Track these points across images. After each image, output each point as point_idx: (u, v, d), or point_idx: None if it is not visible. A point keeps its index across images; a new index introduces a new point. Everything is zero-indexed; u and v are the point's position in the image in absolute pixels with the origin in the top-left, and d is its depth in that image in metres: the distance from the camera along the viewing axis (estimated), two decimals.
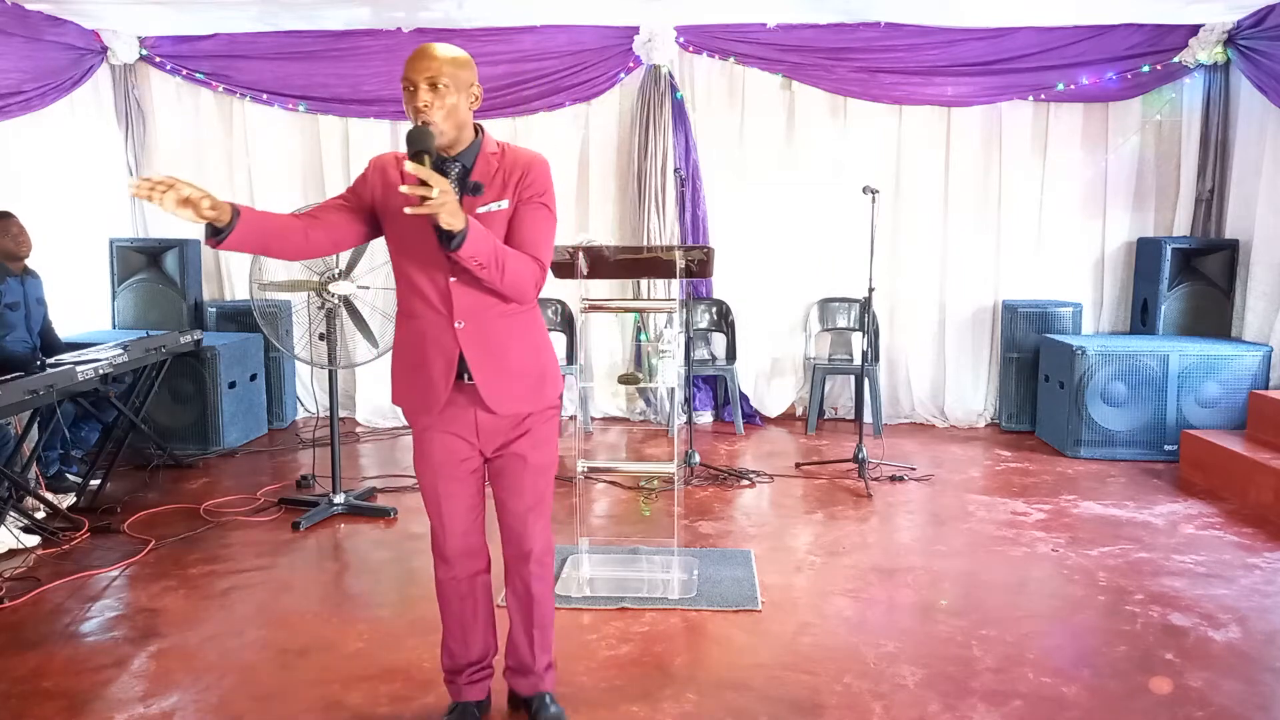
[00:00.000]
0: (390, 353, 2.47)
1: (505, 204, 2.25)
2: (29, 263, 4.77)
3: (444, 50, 2.21)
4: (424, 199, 1.98)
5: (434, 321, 2.29)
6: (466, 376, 2.31)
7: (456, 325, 2.27)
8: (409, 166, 2.01)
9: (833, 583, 3.67)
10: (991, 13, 5.70)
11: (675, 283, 5.22)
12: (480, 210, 2.22)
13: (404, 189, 2.01)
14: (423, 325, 2.31)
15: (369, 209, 2.33)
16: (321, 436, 5.26)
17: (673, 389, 5.19)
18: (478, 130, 2.31)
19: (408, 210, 2.04)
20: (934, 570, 3.80)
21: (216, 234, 2.15)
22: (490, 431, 2.38)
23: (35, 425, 4.34)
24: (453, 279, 2.25)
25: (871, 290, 5.06)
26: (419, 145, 2.08)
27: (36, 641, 3.17)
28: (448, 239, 2.09)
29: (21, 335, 4.65)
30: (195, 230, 6.35)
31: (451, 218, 2.03)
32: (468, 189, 2.24)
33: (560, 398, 2.52)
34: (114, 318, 6.22)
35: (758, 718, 2.68)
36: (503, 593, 2.58)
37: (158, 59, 6.28)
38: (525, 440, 2.41)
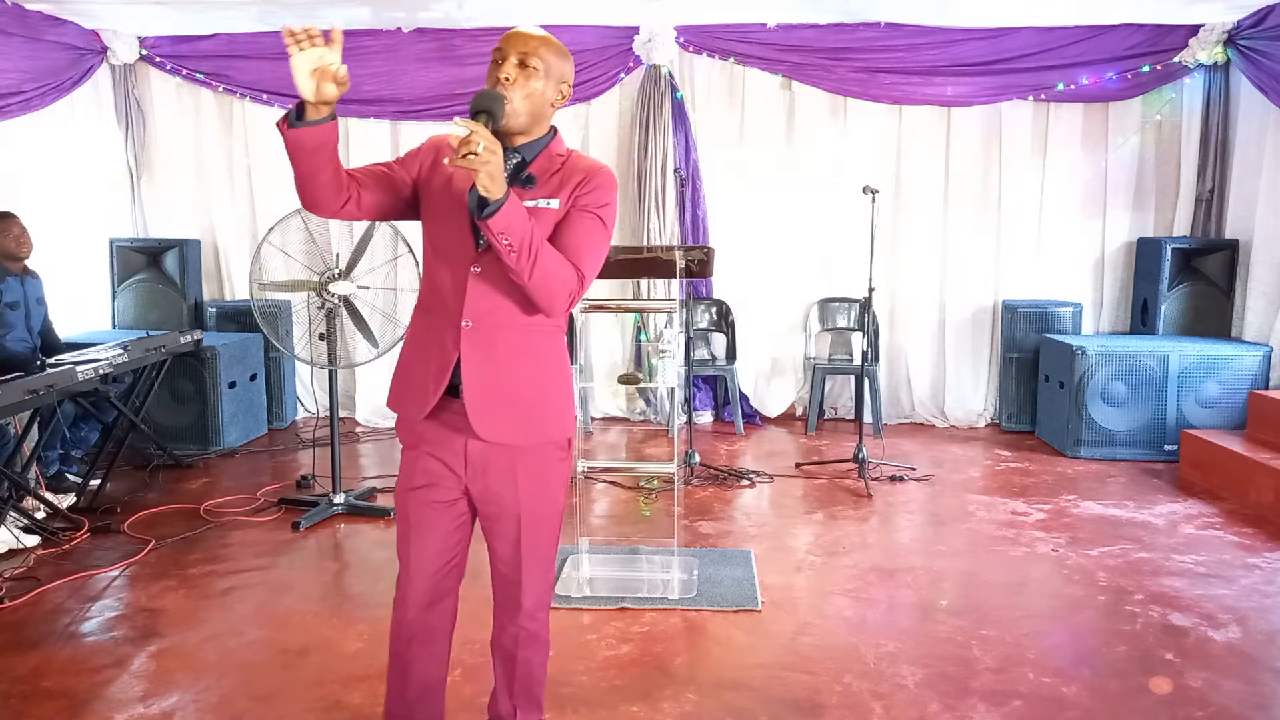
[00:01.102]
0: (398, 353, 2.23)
1: (556, 204, 1.99)
2: (29, 263, 4.77)
3: (546, 35, 2.02)
4: (466, 153, 1.75)
5: (443, 317, 2.03)
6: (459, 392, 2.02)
7: (464, 324, 1.99)
8: (459, 122, 1.79)
9: (833, 583, 3.67)
10: (991, 13, 5.70)
11: (675, 283, 5.22)
12: (527, 204, 1.96)
13: (452, 136, 1.84)
14: (430, 320, 2.07)
15: (411, 184, 2.09)
16: (321, 436, 5.27)
17: (673, 389, 5.18)
18: (552, 131, 2.09)
19: (446, 161, 1.81)
20: (934, 570, 3.80)
21: (302, 117, 1.93)
22: (480, 465, 2.06)
23: (35, 425, 4.34)
24: (475, 269, 1.99)
25: (871, 290, 5.07)
26: (482, 105, 1.89)
27: (36, 641, 3.17)
28: (480, 208, 1.85)
29: (21, 335, 4.65)
30: (195, 230, 6.47)
31: (491, 181, 1.78)
32: (520, 180, 1.99)
33: (570, 441, 2.17)
34: (114, 318, 6.22)
35: (758, 718, 2.68)
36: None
37: (158, 59, 6.28)
38: (521, 483, 2.07)
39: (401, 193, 2.08)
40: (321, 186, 1.98)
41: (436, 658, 2.25)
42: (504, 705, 2.27)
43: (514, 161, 2.02)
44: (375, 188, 2.05)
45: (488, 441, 2.03)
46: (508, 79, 1.94)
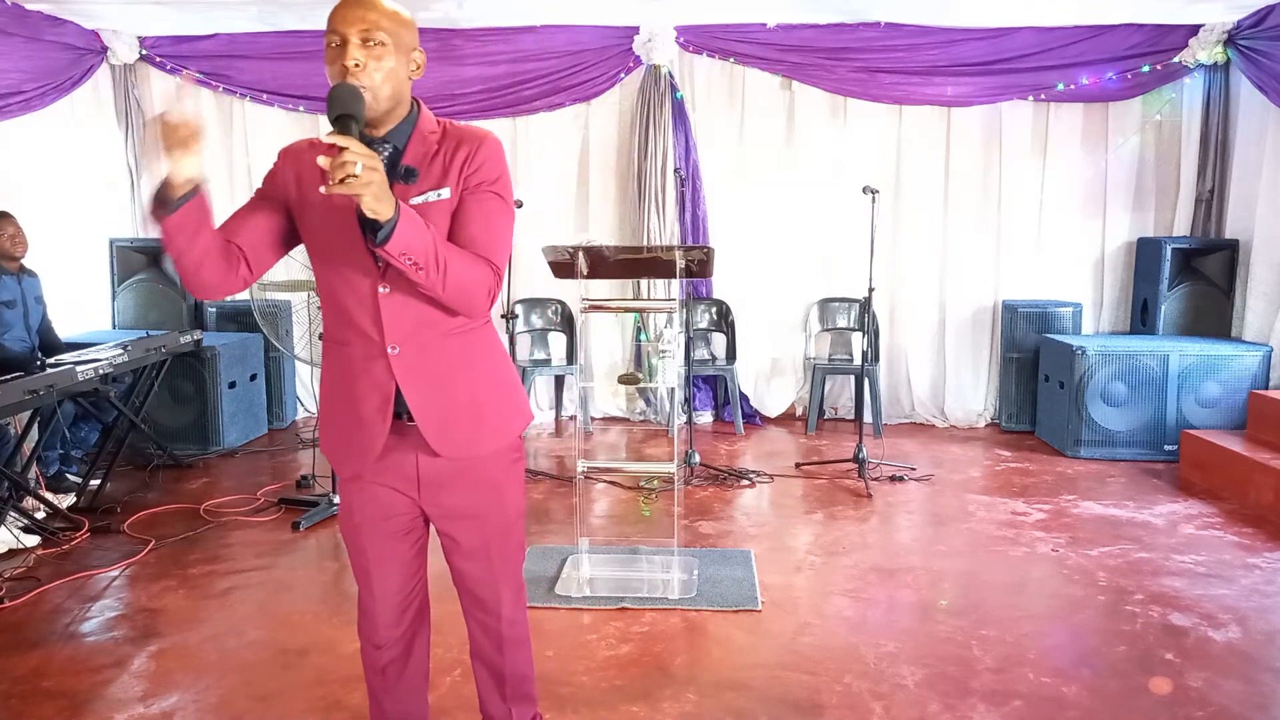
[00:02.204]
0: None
1: (446, 193, 1.78)
2: (27, 262, 4.77)
3: (376, 1, 1.74)
4: (344, 177, 1.52)
5: (363, 348, 1.83)
6: (406, 416, 1.86)
7: (390, 351, 1.81)
8: (326, 137, 1.57)
9: (833, 583, 3.67)
10: (991, 13, 5.70)
11: (675, 283, 5.22)
12: (415, 200, 1.76)
13: (322, 161, 1.55)
14: (350, 353, 1.85)
15: (285, 208, 1.86)
16: None
17: (673, 389, 5.19)
18: (414, 106, 1.87)
19: (323, 189, 1.56)
20: (934, 570, 3.80)
21: (165, 205, 1.74)
22: (434, 483, 1.92)
23: (35, 425, 4.34)
24: (383, 289, 1.78)
25: (871, 290, 5.06)
26: (345, 107, 1.63)
27: (36, 641, 3.17)
28: (373, 231, 1.63)
29: (19, 334, 4.65)
30: None
31: (377, 202, 1.56)
32: (399, 175, 1.78)
33: (522, 436, 2.05)
34: (114, 318, 6.22)
35: (758, 718, 2.68)
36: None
37: (158, 59, 6.28)
38: (481, 493, 1.95)
39: (282, 222, 1.86)
40: (210, 268, 1.79)
41: (414, 691, 2.17)
42: (496, 708, 2.18)
43: (387, 154, 1.79)
44: (258, 240, 1.84)
45: (445, 457, 1.89)
46: (358, 64, 1.70)
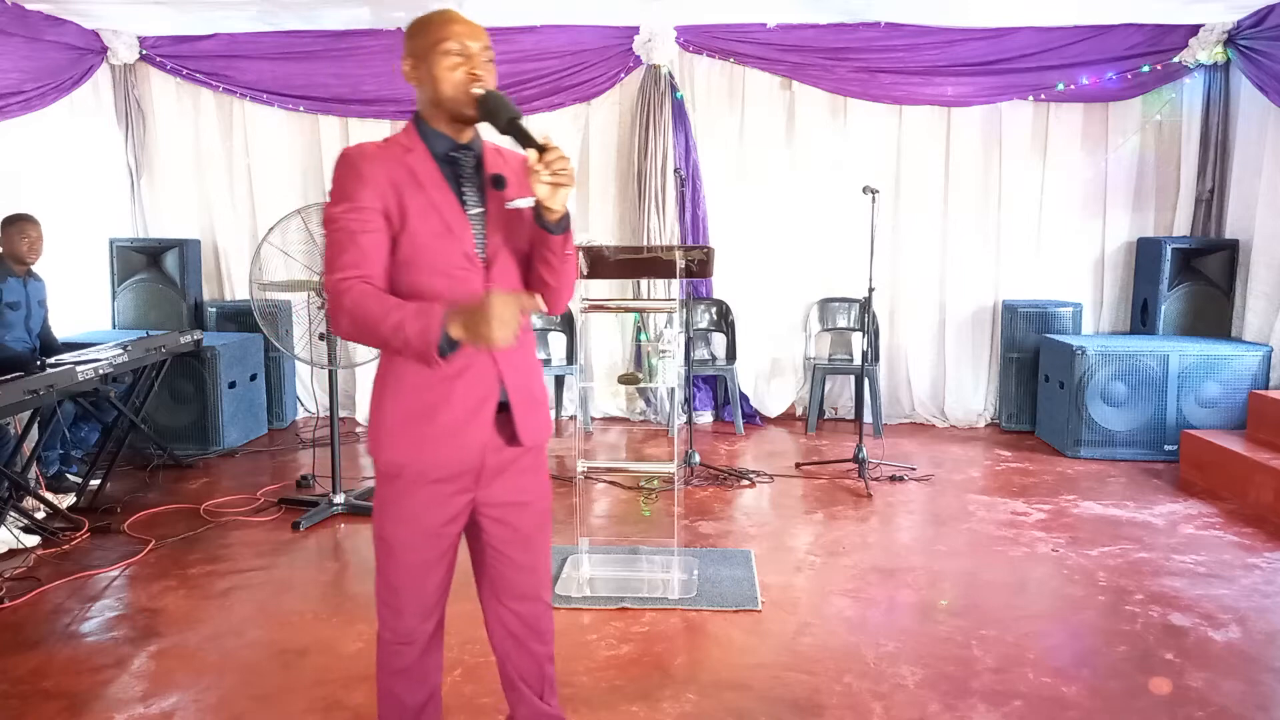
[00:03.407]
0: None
1: (532, 201, 1.85)
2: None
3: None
4: (563, 169, 1.74)
5: (465, 347, 1.82)
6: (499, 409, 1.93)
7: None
8: (544, 140, 1.75)
9: (833, 583, 3.67)
10: (991, 13, 5.70)
11: (675, 283, 5.22)
12: (510, 206, 1.88)
13: (537, 156, 1.74)
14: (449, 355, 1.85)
15: (385, 218, 1.83)
16: (321, 436, 5.27)
17: (673, 389, 5.19)
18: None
19: (541, 192, 1.76)
20: (934, 570, 3.80)
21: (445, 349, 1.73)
22: (494, 472, 1.95)
23: (35, 425, 4.34)
24: (490, 287, 1.85)
25: (871, 290, 5.06)
26: (513, 111, 1.80)
27: (36, 641, 3.17)
28: (540, 222, 1.83)
29: (20, 335, 4.65)
30: (195, 230, 6.47)
31: (564, 195, 1.79)
32: (489, 182, 1.90)
33: None
34: (114, 318, 6.22)
35: (758, 718, 2.68)
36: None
37: (158, 59, 6.28)
38: (532, 479, 2.02)
39: (390, 238, 1.86)
40: None
41: (436, 670, 2.15)
42: (533, 709, 2.12)
43: (470, 162, 1.91)
44: (384, 268, 1.84)
45: (525, 445, 1.95)
46: (484, 75, 1.84)
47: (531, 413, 1.96)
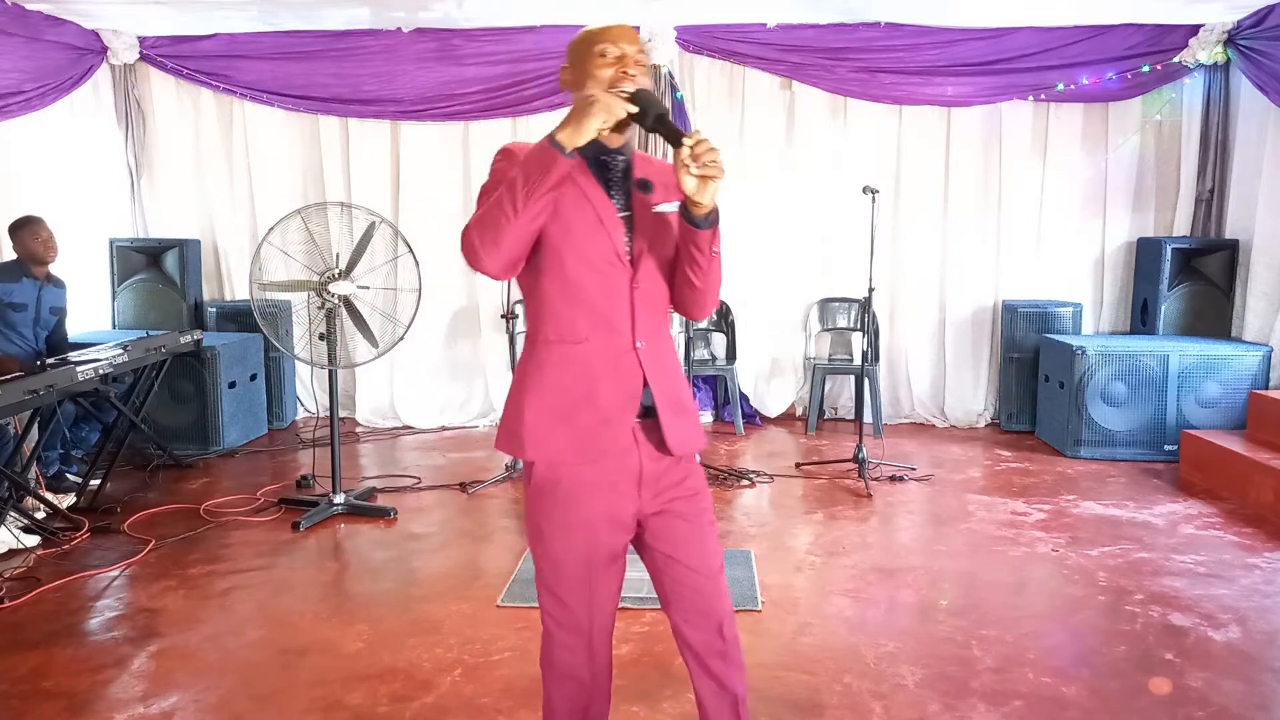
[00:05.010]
0: (543, 388, 1.87)
1: (677, 205, 1.85)
2: (58, 272, 4.79)
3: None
4: (713, 161, 1.72)
5: (607, 343, 1.84)
6: (644, 412, 1.88)
7: (638, 345, 1.85)
8: (694, 136, 1.73)
9: (833, 583, 3.67)
10: (991, 13, 5.70)
11: None
12: (656, 209, 1.89)
13: (684, 155, 1.73)
14: (588, 351, 1.84)
15: None
16: (321, 436, 5.26)
17: None
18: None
19: (689, 185, 1.74)
20: (934, 570, 3.80)
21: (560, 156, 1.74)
22: (652, 480, 1.89)
23: (35, 425, 4.34)
24: (638, 286, 1.85)
25: (871, 290, 5.06)
26: (662, 108, 1.81)
27: (36, 641, 3.17)
28: (688, 217, 1.80)
29: (25, 338, 4.64)
30: (195, 230, 6.47)
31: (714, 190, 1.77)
32: (636, 186, 1.91)
33: None
34: (114, 318, 6.22)
35: (758, 718, 2.67)
36: None
37: (158, 59, 6.28)
38: (692, 483, 1.95)
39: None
40: (526, 246, 1.79)
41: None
42: None
43: (621, 164, 1.93)
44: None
45: (674, 454, 1.89)
46: (635, 76, 1.84)
47: (679, 420, 1.90)
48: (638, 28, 1.83)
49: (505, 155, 1.87)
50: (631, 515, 1.90)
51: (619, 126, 1.83)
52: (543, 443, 1.85)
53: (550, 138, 1.72)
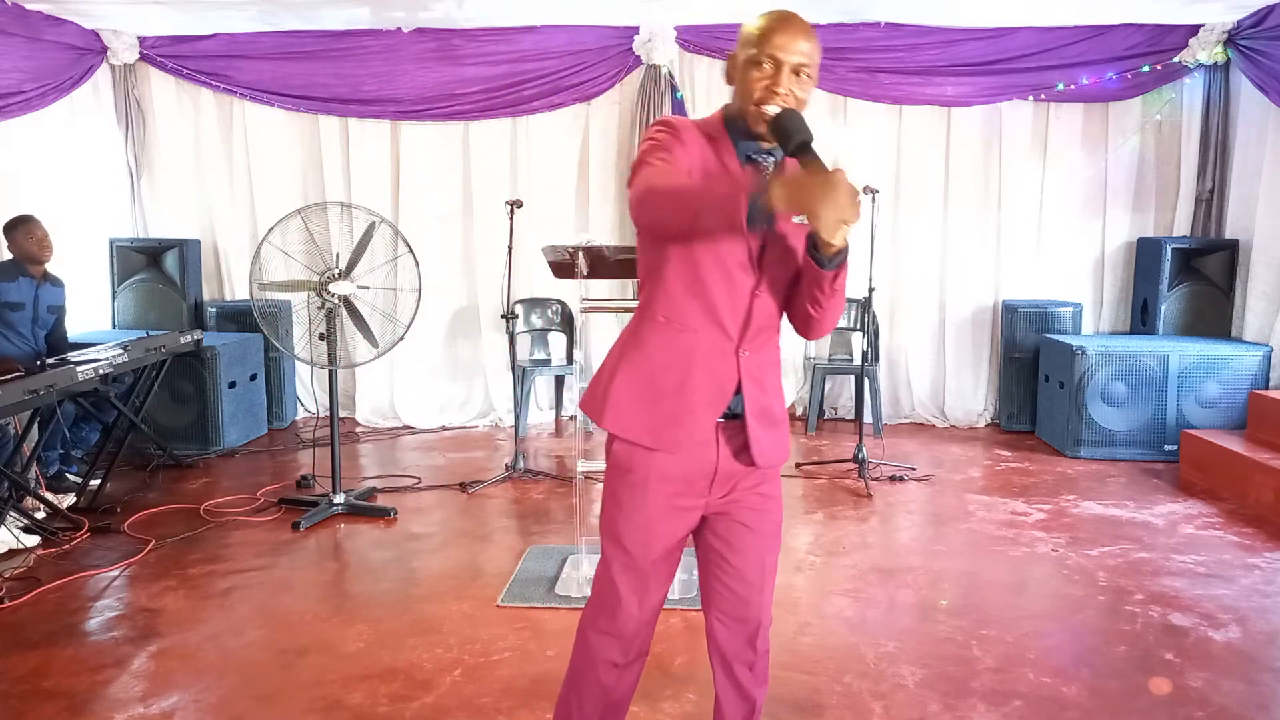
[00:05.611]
0: (628, 369, 1.87)
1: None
2: (57, 272, 4.78)
3: (811, 29, 1.79)
4: (847, 205, 1.54)
5: (712, 340, 1.82)
6: (730, 415, 1.87)
7: (741, 353, 1.84)
8: (834, 173, 1.55)
9: (833, 583, 3.67)
10: (991, 13, 5.70)
11: None
12: (797, 220, 1.77)
13: (842, 183, 1.54)
14: (693, 341, 1.82)
15: None
16: (321, 436, 5.26)
17: None
18: None
19: (796, 220, 1.68)
20: (934, 570, 3.80)
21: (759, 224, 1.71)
22: (726, 480, 1.89)
23: (35, 425, 4.34)
24: (759, 293, 1.82)
25: (871, 290, 5.07)
26: (806, 134, 1.67)
27: (36, 641, 3.17)
28: (815, 252, 1.70)
29: (24, 338, 4.64)
30: (195, 230, 6.47)
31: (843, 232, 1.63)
32: None
33: None
34: (114, 318, 6.22)
35: None
36: None
37: (158, 59, 6.28)
38: (766, 491, 1.93)
39: None
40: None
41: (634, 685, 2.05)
42: None
43: (771, 168, 1.84)
44: None
45: (758, 465, 1.88)
46: (786, 94, 1.74)
47: (768, 431, 1.88)
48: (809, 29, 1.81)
49: (667, 127, 1.83)
50: (700, 510, 1.90)
51: (758, 137, 1.79)
52: (622, 416, 1.86)
53: (756, 193, 1.55)
